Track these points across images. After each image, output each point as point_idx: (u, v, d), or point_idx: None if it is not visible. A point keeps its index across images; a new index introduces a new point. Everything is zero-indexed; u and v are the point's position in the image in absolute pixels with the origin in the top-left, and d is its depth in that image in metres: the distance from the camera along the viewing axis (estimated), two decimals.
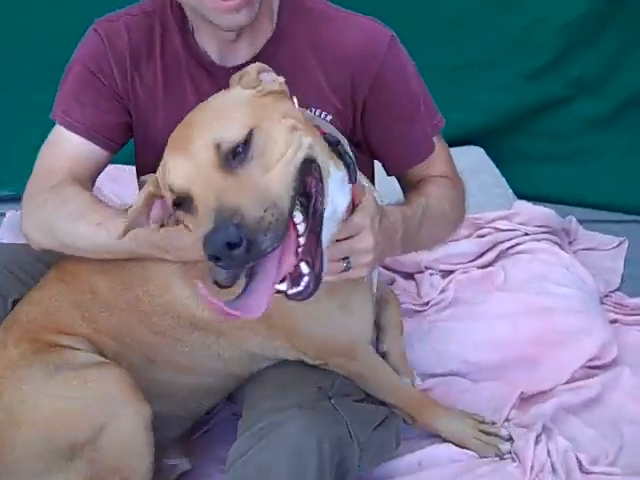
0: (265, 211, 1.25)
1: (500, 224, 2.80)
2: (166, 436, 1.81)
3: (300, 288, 1.34)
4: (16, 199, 3.38)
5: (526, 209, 2.88)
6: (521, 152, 3.46)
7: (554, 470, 1.98)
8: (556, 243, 2.79)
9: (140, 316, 1.82)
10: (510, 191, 3.21)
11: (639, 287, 2.76)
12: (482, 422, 2.09)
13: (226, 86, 1.61)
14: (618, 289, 2.79)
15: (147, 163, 1.92)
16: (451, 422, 2.08)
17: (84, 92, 1.90)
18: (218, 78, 1.85)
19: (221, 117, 1.40)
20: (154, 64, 1.89)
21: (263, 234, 1.24)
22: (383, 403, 1.97)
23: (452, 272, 2.69)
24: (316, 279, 1.35)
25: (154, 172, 1.74)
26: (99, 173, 1.97)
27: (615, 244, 3.03)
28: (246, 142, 1.34)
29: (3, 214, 3.31)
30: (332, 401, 1.79)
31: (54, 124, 1.94)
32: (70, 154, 1.90)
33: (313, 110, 1.85)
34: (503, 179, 3.26)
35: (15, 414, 1.74)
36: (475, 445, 2.06)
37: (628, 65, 3.28)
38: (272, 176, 1.32)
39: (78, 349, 1.82)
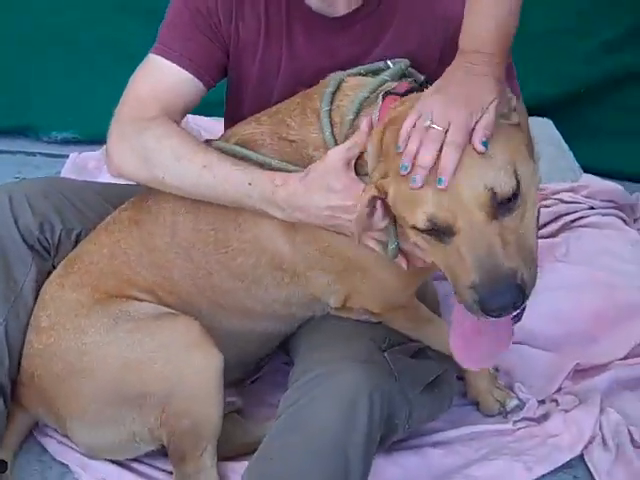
0: (530, 268, 1.40)
1: (566, 196, 2.76)
2: (226, 378, 1.83)
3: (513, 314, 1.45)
4: (79, 142, 3.51)
5: (593, 182, 2.83)
6: (590, 126, 3.38)
7: (605, 443, 1.97)
8: (621, 219, 2.74)
9: (225, 258, 1.82)
10: (577, 164, 3.15)
11: None
12: (496, 378, 2.14)
13: (319, 38, 1.78)
14: None
15: (238, 104, 2.01)
16: (479, 375, 2.10)
17: (188, 26, 1.89)
18: (314, 29, 1.87)
19: (490, 160, 1.42)
20: (257, 9, 1.88)
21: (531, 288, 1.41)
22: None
23: None
24: (523, 310, 1.47)
25: (242, 112, 1.92)
26: (190, 108, 1.94)
27: None
28: (517, 194, 1.41)
29: (67, 156, 3.37)
30: (385, 354, 1.79)
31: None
32: (167, 85, 1.87)
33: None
34: (570, 152, 3.19)
35: (77, 363, 1.78)
36: (486, 399, 2.10)
37: None
38: (528, 225, 1.44)
39: (142, 300, 1.84)
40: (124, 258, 1.87)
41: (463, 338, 1.58)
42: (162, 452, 1.86)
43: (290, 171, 1.68)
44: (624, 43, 3.24)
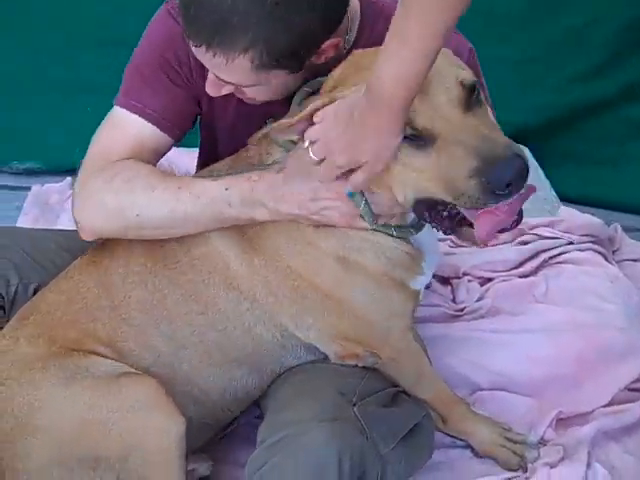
0: None
1: (544, 231, 2.70)
2: (190, 445, 1.75)
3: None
4: (41, 172, 3.43)
5: (571, 217, 2.78)
6: (567, 153, 3.37)
7: None
8: (601, 253, 2.68)
9: (173, 274, 1.77)
10: (554, 193, 3.12)
11: None
12: (509, 430, 2.08)
13: None
14: None
15: (212, 153, 1.99)
16: (480, 426, 2.06)
17: (156, 78, 1.81)
18: None
19: (456, 63, 1.52)
20: None
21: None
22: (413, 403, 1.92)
23: (491, 280, 2.60)
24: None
25: (217, 152, 1.95)
26: (159, 159, 1.88)
27: None
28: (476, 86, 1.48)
29: (28, 188, 3.28)
30: (355, 409, 1.72)
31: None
32: (133, 138, 1.80)
33: None
34: (547, 182, 3.16)
35: (30, 421, 1.68)
36: (500, 453, 2.04)
37: None
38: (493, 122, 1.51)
39: (101, 355, 1.76)
40: (82, 304, 1.81)
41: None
42: None
43: None
44: (595, 73, 3.25)
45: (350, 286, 1.72)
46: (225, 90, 1.69)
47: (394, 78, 1.34)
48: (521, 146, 1.45)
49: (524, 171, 1.38)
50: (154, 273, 1.79)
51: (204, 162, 2.01)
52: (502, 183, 1.36)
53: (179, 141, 1.88)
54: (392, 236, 1.70)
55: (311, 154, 1.53)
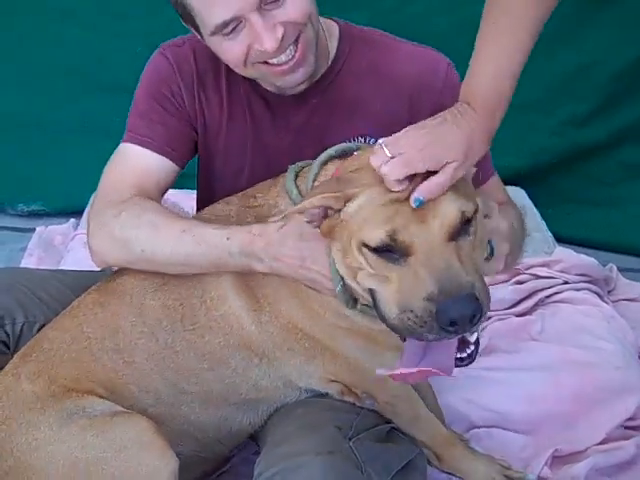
0: (484, 292, 1.40)
1: (539, 271, 2.73)
2: (184, 478, 1.75)
3: (464, 355, 1.46)
4: (45, 214, 3.48)
5: (567, 257, 2.81)
6: (562, 195, 3.44)
7: None
8: (596, 293, 2.71)
9: (192, 336, 1.78)
10: (550, 234, 3.16)
11: None
12: (508, 468, 2.06)
13: (280, 114, 1.84)
14: None
15: (209, 179, 2.06)
16: (477, 465, 2.05)
17: (154, 111, 1.93)
18: (274, 106, 1.93)
19: (461, 191, 1.46)
20: (220, 90, 1.94)
21: (486, 310, 1.39)
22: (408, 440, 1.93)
23: (488, 318, 2.60)
24: (477, 348, 1.47)
25: (214, 187, 2.00)
26: (167, 188, 1.95)
27: None
28: (472, 219, 1.45)
29: (33, 229, 3.32)
30: (351, 443, 1.73)
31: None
32: (140, 169, 1.88)
33: (368, 140, 1.88)
34: (543, 222, 3.21)
35: (27, 460, 1.69)
36: None
37: None
38: (478, 257, 1.48)
39: (99, 395, 1.77)
40: (85, 343, 1.81)
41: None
42: None
43: None
44: (591, 117, 3.31)
45: (343, 339, 1.73)
46: (279, 31, 1.70)
47: (488, 83, 1.45)
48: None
49: (473, 316, 1.35)
50: (169, 332, 1.79)
51: (202, 195, 2.09)
52: (446, 318, 1.34)
53: (183, 168, 1.96)
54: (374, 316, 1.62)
55: (386, 151, 1.43)
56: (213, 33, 1.72)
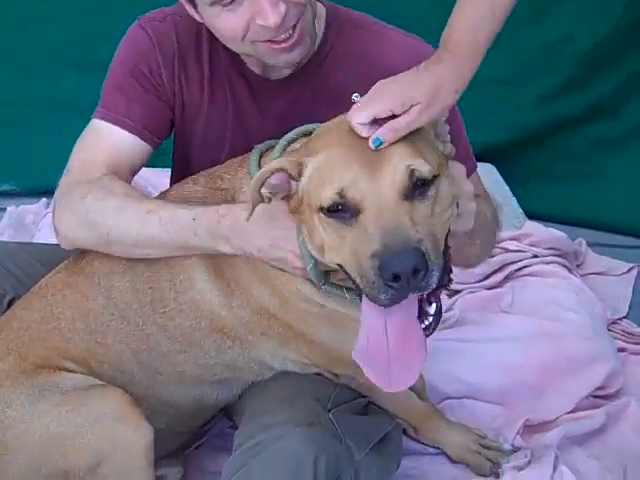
0: (436, 256, 1.35)
1: (509, 245, 2.76)
2: (159, 451, 1.76)
3: (422, 326, 1.43)
4: (16, 194, 3.44)
5: (537, 230, 2.84)
6: (533, 171, 3.45)
7: None
8: (565, 266, 2.75)
9: (162, 319, 1.77)
10: (520, 210, 3.18)
11: None
12: (483, 438, 2.11)
13: (263, 98, 1.79)
14: (626, 317, 2.75)
15: (184, 160, 2.00)
16: (454, 435, 2.09)
17: (131, 87, 1.86)
18: (257, 90, 1.88)
19: (418, 151, 1.42)
20: (200, 68, 1.88)
21: (436, 271, 1.33)
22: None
23: (458, 292, 2.65)
24: (437, 319, 1.44)
25: (190, 166, 1.93)
26: (139, 168, 1.91)
27: (625, 270, 2.98)
28: (431, 182, 1.40)
29: (4, 209, 3.30)
30: (330, 415, 1.73)
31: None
32: (112, 148, 1.84)
33: None
34: (514, 198, 3.23)
35: (0, 438, 1.69)
36: (474, 459, 2.07)
37: None
38: (438, 223, 1.41)
39: (71, 370, 1.76)
40: (55, 323, 1.80)
41: (365, 356, 1.45)
42: None
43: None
44: (561, 92, 3.32)
45: (315, 324, 1.72)
46: (282, 7, 1.65)
47: (464, 28, 1.46)
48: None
49: (418, 270, 1.29)
50: (139, 315, 1.78)
51: (178, 177, 2.01)
52: (388, 272, 1.29)
53: (156, 149, 1.90)
54: (345, 298, 1.61)
55: (357, 101, 1.47)
56: (213, 3, 1.65)
